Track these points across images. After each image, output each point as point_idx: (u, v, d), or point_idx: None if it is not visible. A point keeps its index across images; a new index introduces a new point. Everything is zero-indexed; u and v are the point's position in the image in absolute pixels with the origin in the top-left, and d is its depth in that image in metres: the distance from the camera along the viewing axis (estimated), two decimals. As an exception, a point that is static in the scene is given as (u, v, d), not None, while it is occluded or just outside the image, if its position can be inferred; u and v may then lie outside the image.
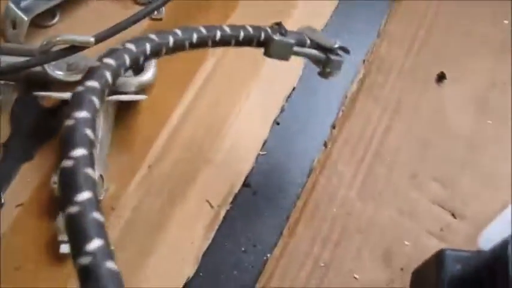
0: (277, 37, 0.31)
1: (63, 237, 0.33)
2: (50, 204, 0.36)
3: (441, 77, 0.41)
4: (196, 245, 0.34)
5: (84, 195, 0.18)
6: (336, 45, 0.33)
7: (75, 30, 0.37)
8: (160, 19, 0.43)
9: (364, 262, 0.35)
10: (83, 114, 0.20)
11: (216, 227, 0.35)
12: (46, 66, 0.37)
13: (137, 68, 0.39)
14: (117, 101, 0.38)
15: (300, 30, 0.33)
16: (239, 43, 0.30)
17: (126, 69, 0.25)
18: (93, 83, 0.22)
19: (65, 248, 0.34)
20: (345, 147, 0.38)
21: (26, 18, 0.41)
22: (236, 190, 0.36)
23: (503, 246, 0.23)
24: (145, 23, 0.42)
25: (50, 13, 0.42)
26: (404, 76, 0.41)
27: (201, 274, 0.34)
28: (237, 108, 0.39)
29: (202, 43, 0.28)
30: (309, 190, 0.37)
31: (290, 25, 0.41)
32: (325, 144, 0.39)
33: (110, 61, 0.23)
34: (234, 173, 0.37)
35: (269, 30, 0.31)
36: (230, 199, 0.36)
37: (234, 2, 0.43)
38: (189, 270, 0.34)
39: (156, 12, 0.42)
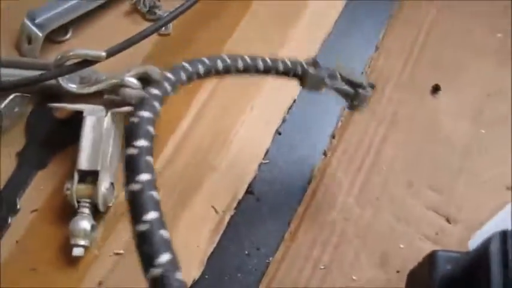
0: (312, 71, 0.34)
1: (75, 241, 0.35)
2: (63, 209, 0.37)
3: (436, 89, 0.42)
4: (202, 248, 0.36)
5: (145, 177, 0.22)
6: (365, 82, 0.36)
7: (87, 45, 0.39)
8: (168, 34, 0.45)
9: (362, 264, 0.36)
10: (146, 114, 0.24)
11: (221, 231, 0.37)
12: (60, 79, 0.39)
13: (147, 81, 0.41)
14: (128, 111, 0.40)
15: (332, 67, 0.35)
16: (278, 73, 0.33)
17: (183, 83, 0.29)
18: (155, 91, 0.26)
19: (76, 251, 0.35)
20: (344, 156, 0.40)
21: (40, 34, 0.43)
22: (240, 196, 0.38)
23: (485, 244, 0.24)
24: (153, 38, 0.44)
25: (63, 29, 0.45)
26: (400, 88, 0.43)
27: (206, 276, 0.35)
28: (241, 119, 0.41)
29: (246, 70, 0.32)
30: (309, 196, 0.39)
31: (294, 36, 0.43)
32: (325, 153, 0.40)
33: (169, 75, 0.28)
34: (238, 180, 0.39)
35: (305, 64, 0.34)
36: (234, 205, 0.38)
37: (233, 27, 0.45)
38: (195, 273, 0.35)
39: (164, 28, 0.44)
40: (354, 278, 0.36)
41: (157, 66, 0.42)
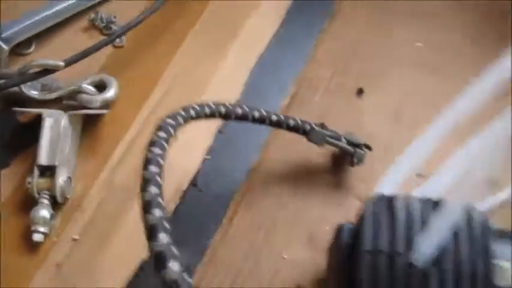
0: (317, 128, 0.42)
1: (35, 228, 0.39)
2: (25, 202, 0.42)
3: (360, 91, 0.48)
4: (150, 233, 0.41)
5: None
6: (362, 142, 0.43)
7: (49, 57, 0.44)
8: (122, 46, 0.50)
9: (291, 244, 0.41)
10: (157, 151, 0.30)
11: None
12: (22, 86, 0.44)
13: (101, 87, 0.45)
14: (84, 114, 0.44)
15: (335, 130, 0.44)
16: (289, 128, 0.41)
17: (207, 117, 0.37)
18: (162, 135, 0.32)
19: (37, 237, 0.39)
20: (279, 151, 0.45)
21: (6, 48, 0.47)
22: (184, 188, 0.43)
23: (363, 209, 0.29)
24: (109, 50, 0.49)
25: (27, 43, 0.49)
26: (329, 93, 0.48)
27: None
28: (186, 121, 0.46)
29: (260, 120, 0.40)
30: (246, 187, 0.43)
31: (235, 48, 0.48)
32: (262, 149, 0.45)
33: (182, 112, 0.35)
34: (183, 174, 0.44)
35: (313, 124, 0.42)
36: (179, 196, 0.43)
37: (181, 41, 0.50)
38: (143, 255, 0.40)
39: (118, 41, 0.49)
40: (284, 256, 0.41)
41: (111, 75, 0.47)
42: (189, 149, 0.45)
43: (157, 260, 0.25)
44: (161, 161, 0.30)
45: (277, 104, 0.47)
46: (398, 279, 0.26)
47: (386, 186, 0.30)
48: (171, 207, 0.42)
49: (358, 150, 0.43)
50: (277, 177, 0.44)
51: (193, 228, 0.42)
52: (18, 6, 0.51)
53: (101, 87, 0.46)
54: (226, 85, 0.48)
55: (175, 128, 0.33)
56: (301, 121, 0.42)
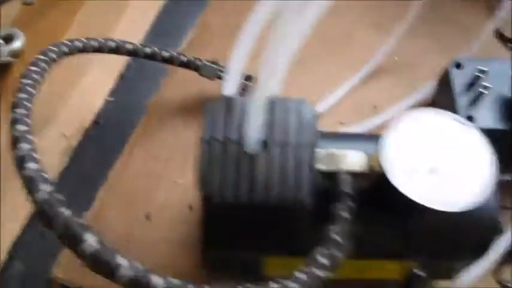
0: (208, 64, 0.46)
1: None
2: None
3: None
4: (54, 166, 0.44)
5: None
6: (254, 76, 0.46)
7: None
8: (32, 3, 0.53)
9: (185, 172, 0.44)
10: (22, 111, 0.32)
11: (69, 153, 0.45)
12: None
13: (8, 38, 0.49)
14: (-7, 66, 0.48)
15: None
16: (181, 64, 0.45)
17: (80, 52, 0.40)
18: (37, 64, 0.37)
19: None
20: (176, 88, 0.49)
21: None
22: (87, 125, 0.46)
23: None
24: (19, 7, 0.52)
25: None
26: (225, 37, 0.51)
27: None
28: (91, 66, 0.49)
29: (153, 56, 0.44)
30: (145, 122, 0.47)
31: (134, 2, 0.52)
32: (161, 88, 0.49)
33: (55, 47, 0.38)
34: (86, 113, 0.47)
35: (205, 60, 0.46)
36: (81, 132, 0.46)
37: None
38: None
39: (29, -1, 0.53)
40: (179, 181, 0.44)
41: (21, 29, 0.51)
42: (92, 92, 0.48)
43: (42, 210, 0.25)
44: (28, 120, 0.31)
45: (176, 49, 0.51)
46: (230, 163, 0.30)
47: (227, 89, 0.33)
48: (73, 143, 0.46)
49: (249, 83, 0.46)
50: (174, 112, 0.48)
51: (95, 161, 0.45)
52: None
53: (9, 39, 0.49)
54: (128, 34, 0.51)
55: (58, 54, 0.37)
56: (193, 58, 0.45)
